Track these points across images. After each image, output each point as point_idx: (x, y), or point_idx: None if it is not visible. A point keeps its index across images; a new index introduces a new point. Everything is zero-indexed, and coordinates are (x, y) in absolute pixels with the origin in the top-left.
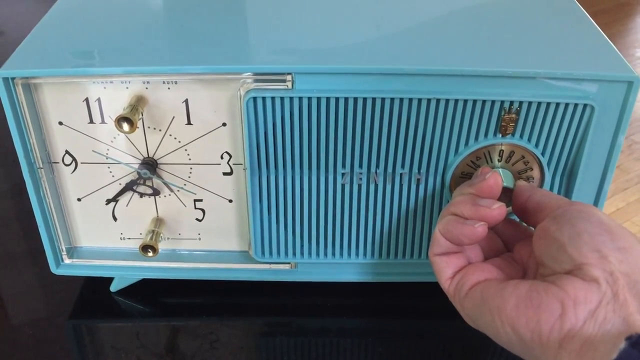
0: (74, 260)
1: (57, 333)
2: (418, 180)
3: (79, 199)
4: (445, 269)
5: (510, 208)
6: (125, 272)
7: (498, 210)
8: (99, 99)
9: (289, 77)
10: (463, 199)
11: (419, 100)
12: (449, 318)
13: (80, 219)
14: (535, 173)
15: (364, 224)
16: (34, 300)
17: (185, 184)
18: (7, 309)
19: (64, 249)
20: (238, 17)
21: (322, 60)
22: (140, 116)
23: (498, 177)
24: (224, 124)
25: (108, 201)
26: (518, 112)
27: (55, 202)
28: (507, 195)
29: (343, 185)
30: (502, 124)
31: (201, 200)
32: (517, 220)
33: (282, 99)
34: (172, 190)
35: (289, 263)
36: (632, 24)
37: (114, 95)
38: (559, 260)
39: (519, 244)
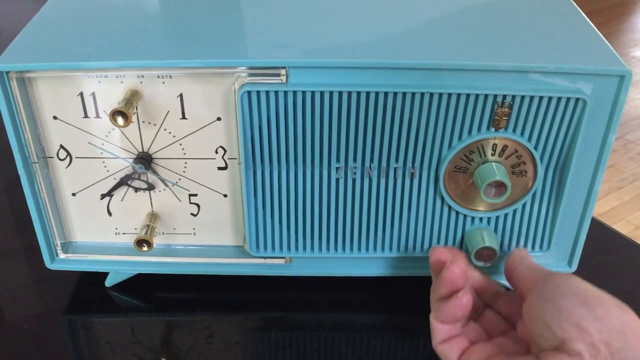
0: (69, 255)
1: (52, 328)
2: (412, 174)
3: (73, 194)
4: (450, 354)
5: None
6: (120, 267)
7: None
8: (93, 94)
9: (283, 71)
10: (436, 284)
11: (413, 94)
12: None
13: (75, 213)
14: (529, 167)
15: (358, 218)
16: (29, 296)
17: (180, 179)
18: (2, 304)
19: (58, 244)
20: (232, 11)
21: (316, 55)
22: (135, 110)
23: (456, 265)
24: (219, 119)
25: (103, 196)
26: (511, 106)
27: (49, 197)
28: (500, 189)
29: (337, 180)
30: (495, 118)
31: (196, 195)
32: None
33: (276, 93)
34: (166, 185)
35: (283, 257)
36: (627, 24)
37: (109, 90)
38: (544, 337)
39: (520, 320)
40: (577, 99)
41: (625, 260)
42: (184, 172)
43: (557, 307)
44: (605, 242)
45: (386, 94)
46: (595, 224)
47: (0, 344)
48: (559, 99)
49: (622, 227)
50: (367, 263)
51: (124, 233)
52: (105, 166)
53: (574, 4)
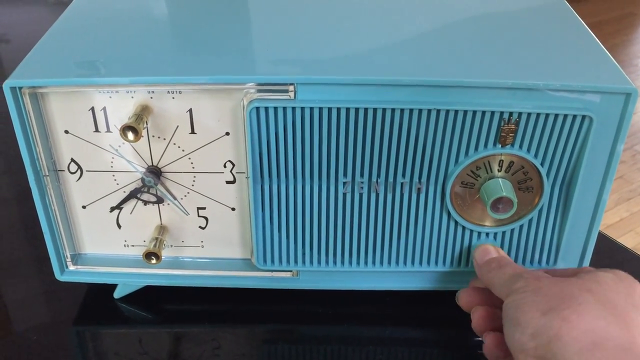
0: (78, 266)
1: (60, 339)
2: (419, 189)
3: (83, 207)
4: None
5: None
6: (128, 279)
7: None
8: (104, 108)
9: (291, 88)
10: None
11: (420, 110)
12: (451, 327)
13: (85, 226)
14: (535, 183)
15: (365, 233)
16: (39, 306)
17: (187, 193)
18: (11, 314)
19: (68, 255)
20: (242, 27)
21: (324, 71)
22: (145, 125)
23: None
24: (227, 133)
25: (112, 209)
26: (517, 123)
27: (60, 210)
28: (506, 205)
29: (344, 194)
30: (502, 134)
31: (204, 208)
32: None
33: (284, 109)
34: (175, 198)
35: (290, 271)
36: (636, 34)
37: (119, 105)
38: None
39: None
40: (584, 117)
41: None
42: (193, 185)
43: (506, 332)
44: (611, 256)
45: (393, 110)
46: (601, 238)
47: (9, 354)
48: (565, 116)
49: (631, 239)
50: (373, 277)
51: (132, 245)
52: (115, 179)
53: (580, 19)
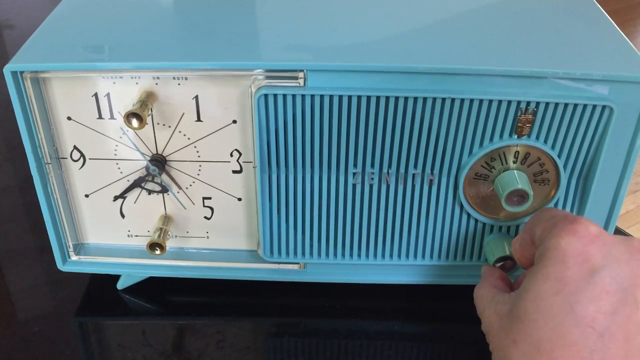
0: (81, 257)
1: (63, 330)
2: (431, 181)
3: (86, 195)
4: None
5: None
6: (132, 269)
7: None
8: (108, 94)
9: (301, 74)
10: None
11: (433, 99)
12: (460, 322)
13: (88, 215)
14: (551, 175)
15: (374, 225)
16: (40, 297)
17: (193, 182)
18: (13, 305)
19: (70, 245)
20: (250, 12)
21: (334, 58)
22: (150, 112)
23: None
24: (234, 121)
25: (116, 198)
26: (535, 113)
27: (62, 198)
28: (521, 197)
29: (354, 185)
30: (518, 124)
31: (210, 198)
32: None
33: (293, 96)
34: (180, 188)
35: (297, 263)
36: None
37: (124, 91)
38: None
39: None
40: (604, 107)
41: None
42: (198, 175)
43: None
44: None
45: (406, 98)
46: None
47: (11, 345)
48: (585, 106)
49: (637, 231)
50: (382, 270)
51: (136, 235)
52: (118, 168)
53: (598, 5)
